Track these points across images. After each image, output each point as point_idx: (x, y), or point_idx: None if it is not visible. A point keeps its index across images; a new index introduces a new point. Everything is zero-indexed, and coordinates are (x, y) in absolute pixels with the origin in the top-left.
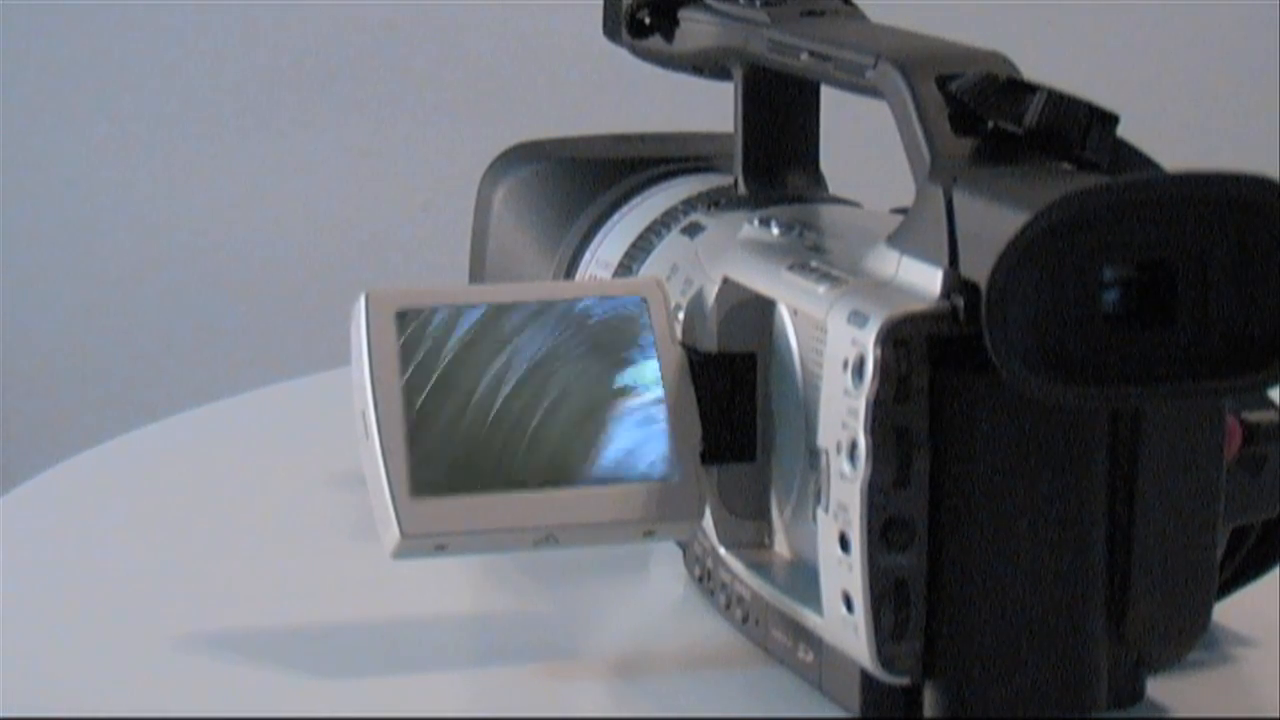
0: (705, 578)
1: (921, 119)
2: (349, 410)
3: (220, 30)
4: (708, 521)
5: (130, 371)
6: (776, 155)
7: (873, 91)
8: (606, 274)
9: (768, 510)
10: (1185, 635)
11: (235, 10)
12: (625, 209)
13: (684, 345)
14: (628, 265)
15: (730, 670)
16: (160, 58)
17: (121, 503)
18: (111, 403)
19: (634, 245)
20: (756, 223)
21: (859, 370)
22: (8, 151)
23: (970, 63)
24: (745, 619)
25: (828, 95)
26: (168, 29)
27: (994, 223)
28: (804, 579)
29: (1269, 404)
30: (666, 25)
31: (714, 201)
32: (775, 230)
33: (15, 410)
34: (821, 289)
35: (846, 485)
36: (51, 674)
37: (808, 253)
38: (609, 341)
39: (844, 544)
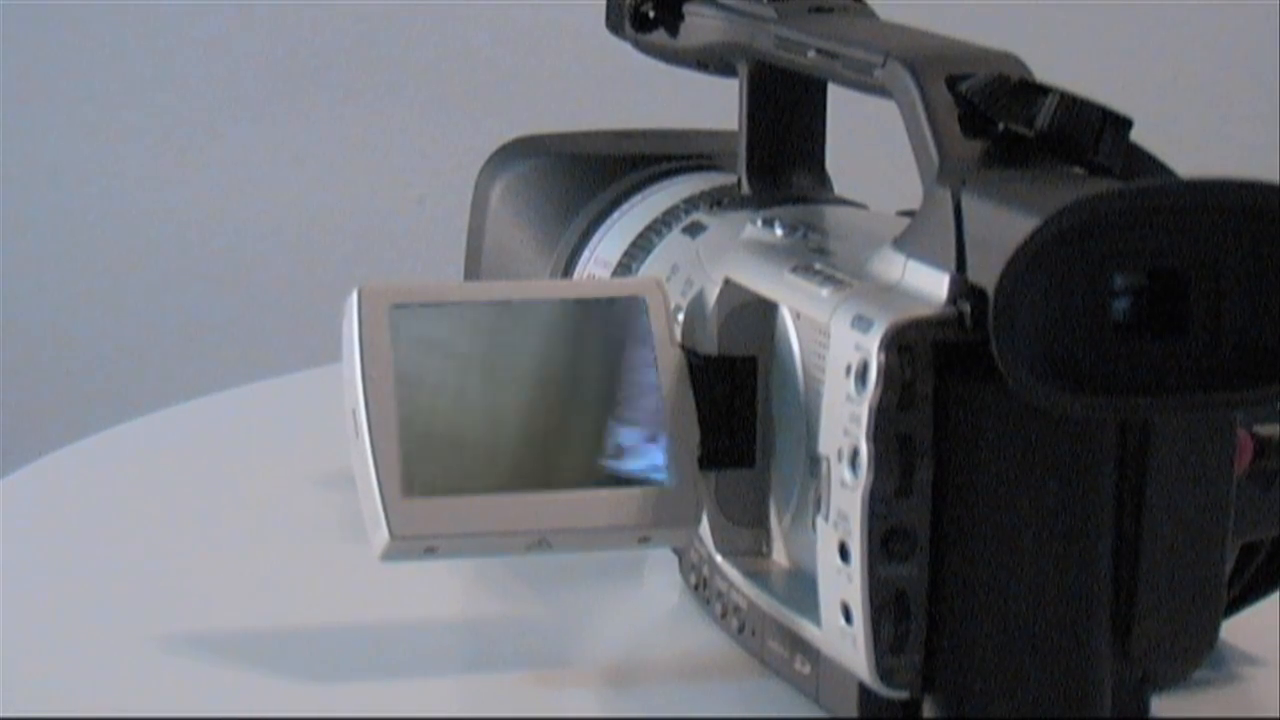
0: (701, 586)
1: (930, 120)
2: (339, 408)
3: (214, 20)
4: (704, 528)
5: (118, 365)
6: (781, 154)
7: (881, 91)
8: (605, 273)
9: (766, 518)
10: (1191, 653)
11: (229, 0)
12: (625, 207)
13: (683, 347)
14: (627, 264)
15: (725, 681)
16: (152, 47)
17: (106, 500)
18: (98, 397)
19: (634, 244)
20: (759, 223)
21: (862, 376)
22: None
23: (981, 63)
24: (741, 628)
25: (834, 94)
26: (160, 18)
27: (1003, 227)
28: (802, 589)
29: None
30: (671, 19)
31: (716, 201)
32: (779, 231)
33: (1, 404)
34: (825, 292)
35: (847, 493)
36: (34, 672)
37: (811, 255)
38: (606, 342)
39: (844, 553)
